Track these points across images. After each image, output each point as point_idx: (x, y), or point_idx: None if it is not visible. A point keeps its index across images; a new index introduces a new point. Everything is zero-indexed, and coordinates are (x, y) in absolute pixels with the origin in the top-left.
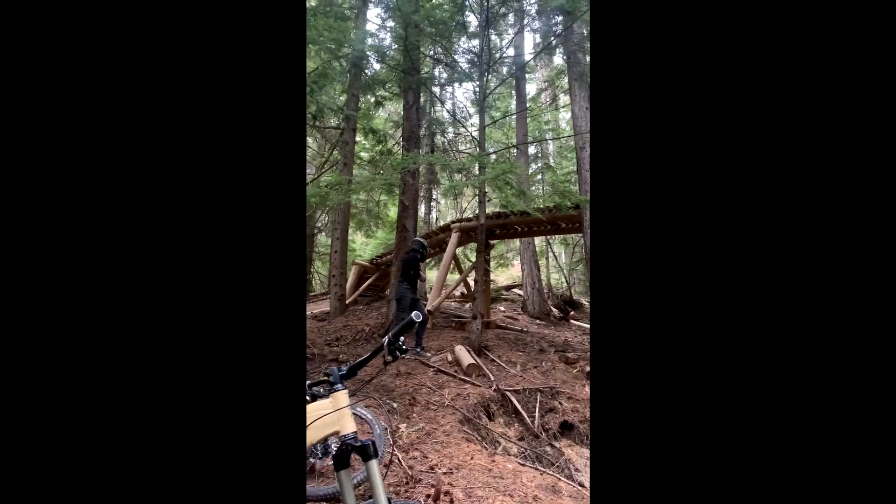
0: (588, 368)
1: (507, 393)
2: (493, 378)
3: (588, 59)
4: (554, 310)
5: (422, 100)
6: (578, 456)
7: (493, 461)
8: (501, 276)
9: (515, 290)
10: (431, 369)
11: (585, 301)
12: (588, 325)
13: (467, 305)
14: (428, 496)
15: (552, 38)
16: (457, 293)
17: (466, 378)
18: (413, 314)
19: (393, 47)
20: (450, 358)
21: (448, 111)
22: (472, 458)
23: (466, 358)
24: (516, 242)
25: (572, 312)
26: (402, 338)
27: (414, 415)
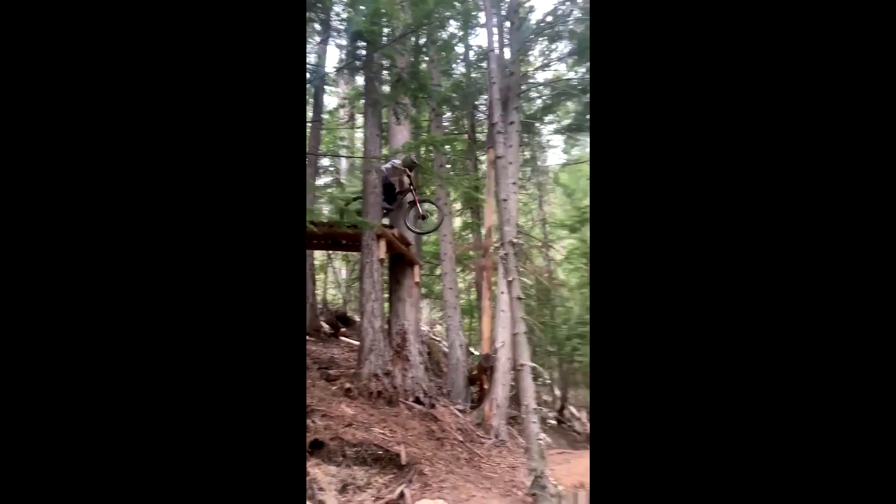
0: (347, 385)
1: None
2: None
3: (383, 89)
4: (325, 325)
5: None
6: (325, 474)
7: None
8: None
9: None
10: None
11: (357, 317)
12: (353, 342)
13: None
14: None
15: (354, 61)
16: None
17: None
18: None
19: None
20: None
21: None
22: None
23: None
24: None
25: (343, 329)
26: None
27: None
